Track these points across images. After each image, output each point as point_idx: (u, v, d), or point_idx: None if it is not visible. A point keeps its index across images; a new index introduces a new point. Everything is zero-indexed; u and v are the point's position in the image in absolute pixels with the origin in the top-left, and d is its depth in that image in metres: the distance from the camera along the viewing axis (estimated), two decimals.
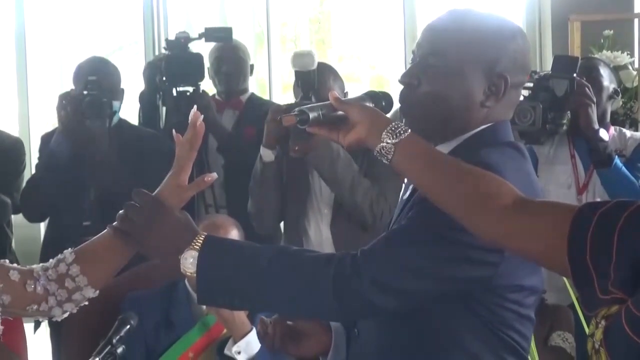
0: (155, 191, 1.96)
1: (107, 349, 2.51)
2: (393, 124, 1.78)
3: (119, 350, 2.53)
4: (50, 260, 1.97)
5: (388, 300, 1.85)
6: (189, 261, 1.87)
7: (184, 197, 1.97)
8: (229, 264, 1.88)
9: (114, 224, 1.95)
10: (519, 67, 2.00)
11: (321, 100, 3.52)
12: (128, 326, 2.61)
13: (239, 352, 2.98)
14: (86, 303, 1.98)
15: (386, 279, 1.84)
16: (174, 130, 2.05)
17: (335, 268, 1.85)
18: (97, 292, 1.97)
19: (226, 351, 2.99)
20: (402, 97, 2.02)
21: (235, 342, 2.99)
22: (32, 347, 3.89)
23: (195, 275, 1.87)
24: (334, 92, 1.89)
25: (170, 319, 3.13)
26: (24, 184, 4.25)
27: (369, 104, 1.93)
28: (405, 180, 2.06)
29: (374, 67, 6.60)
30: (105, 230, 1.99)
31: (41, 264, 1.96)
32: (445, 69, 1.96)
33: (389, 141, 1.77)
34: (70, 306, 1.95)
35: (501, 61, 1.97)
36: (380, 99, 1.99)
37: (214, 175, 2.03)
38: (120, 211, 1.93)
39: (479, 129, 1.99)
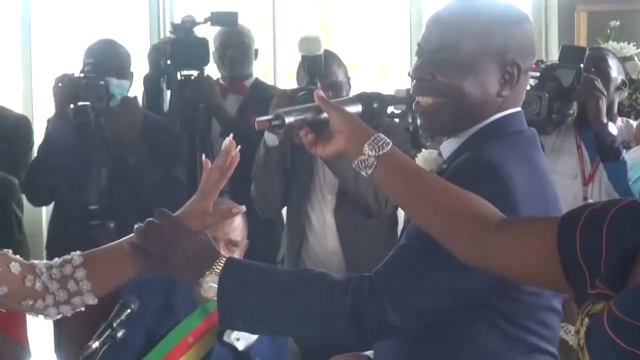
0: (178, 212, 1.94)
1: (107, 333, 2.51)
2: (375, 136, 1.72)
3: (119, 334, 2.53)
4: (56, 259, 1.93)
5: (407, 320, 1.86)
6: (209, 285, 1.87)
7: (207, 223, 1.95)
8: (249, 290, 1.87)
9: (130, 236, 1.92)
10: (529, 52, 1.99)
11: (326, 86, 3.51)
12: (129, 310, 2.61)
13: (238, 339, 2.97)
14: (82, 309, 1.93)
15: (402, 300, 1.85)
16: (203, 156, 2.04)
17: (352, 295, 1.85)
18: (97, 300, 1.93)
19: (225, 338, 2.98)
20: (417, 91, 1.99)
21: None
22: (34, 331, 3.89)
23: (215, 299, 1.87)
24: (319, 91, 1.83)
25: (171, 303, 3.12)
26: None
27: (358, 107, 1.87)
28: None
29: (379, 54, 6.59)
30: (120, 240, 1.96)
31: (45, 261, 1.93)
32: (459, 63, 1.93)
33: (370, 154, 1.70)
34: (67, 309, 1.91)
35: (512, 48, 1.95)
36: (372, 101, 1.91)
37: (243, 208, 2.03)
38: (137, 225, 1.91)
39: (489, 120, 1.98)
